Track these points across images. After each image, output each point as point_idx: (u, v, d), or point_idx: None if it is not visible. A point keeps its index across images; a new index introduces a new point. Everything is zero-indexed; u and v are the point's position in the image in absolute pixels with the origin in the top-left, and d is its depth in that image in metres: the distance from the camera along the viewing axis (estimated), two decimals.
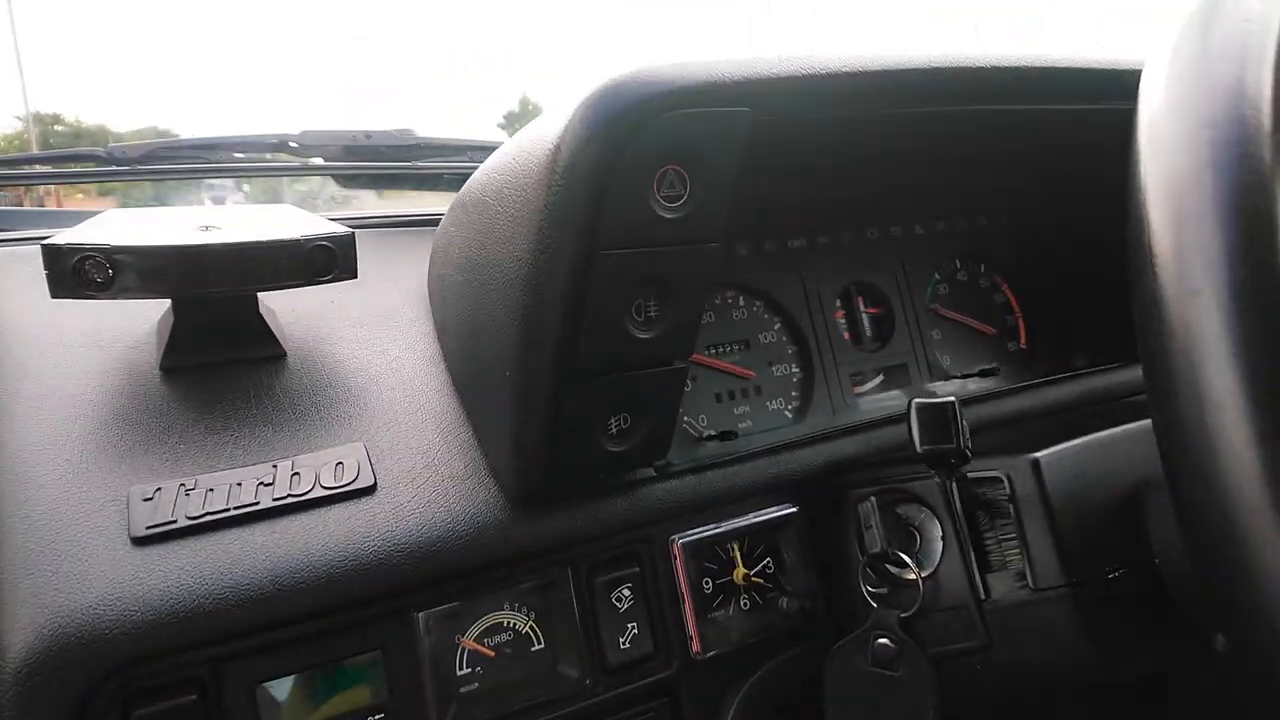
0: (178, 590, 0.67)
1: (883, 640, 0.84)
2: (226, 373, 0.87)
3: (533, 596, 0.81)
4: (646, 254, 0.69)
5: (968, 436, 0.73)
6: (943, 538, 0.86)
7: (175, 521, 0.71)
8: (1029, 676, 0.81)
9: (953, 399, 0.73)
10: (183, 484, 0.74)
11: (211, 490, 0.74)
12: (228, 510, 0.73)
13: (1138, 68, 0.55)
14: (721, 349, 1.15)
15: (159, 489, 0.73)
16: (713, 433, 1.06)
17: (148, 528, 0.70)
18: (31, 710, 0.61)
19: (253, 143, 1.24)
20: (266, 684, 0.70)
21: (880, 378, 1.25)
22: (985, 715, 0.85)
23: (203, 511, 0.72)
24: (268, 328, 0.91)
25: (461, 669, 0.78)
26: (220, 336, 0.89)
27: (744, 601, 0.89)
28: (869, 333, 1.27)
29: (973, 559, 0.82)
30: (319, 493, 0.76)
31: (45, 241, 0.77)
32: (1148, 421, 0.89)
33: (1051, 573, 0.78)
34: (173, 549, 0.70)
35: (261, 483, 0.76)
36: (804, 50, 0.69)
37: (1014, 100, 0.79)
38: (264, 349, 0.90)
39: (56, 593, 0.65)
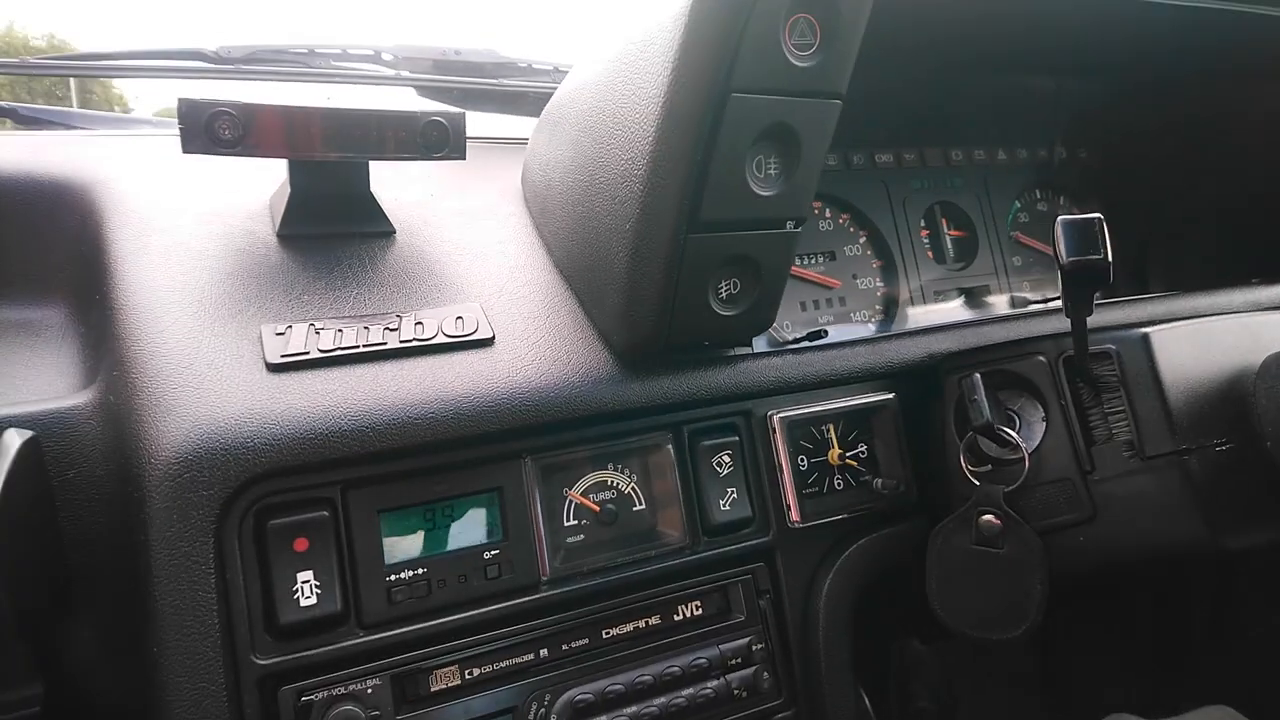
0: (312, 413, 0.69)
1: (987, 517, 0.84)
2: (340, 244, 0.89)
3: (635, 459, 0.83)
4: (775, 101, 0.70)
5: (1110, 256, 0.73)
6: (1044, 418, 0.86)
7: (308, 353, 0.74)
8: (1134, 547, 0.81)
9: (1099, 215, 0.73)
10: (313, 324, 0.76)
11: (340, 331, 0.76)
12: (357, 347, 0.75)
13: None
14: (807, 259, 1.16)
15: (290, 326, 0.75)
16: (800, 335, 1.07)
17: (283, 356, 0.73)
18: (180, 510, 0.64)
19: (350, 53, 1.27)
20: (390, 511, 0.72)
21: (962, 298, 1.25)
22: (1088, 591, 0.85)
23: (334, 347, 0.75)
24: (378, 205, 0.94)
25: (569, 520, 0.80)
26: (333, 210, 0.92)
27: (838, 481, 0.90)
28: (952, 253, 1.27)
29: (1079, 432, 0.82)
30: (442, 339, 0.79)
31: (182, 95, 0.80)
32: (1254, 314, 0.89)
33: (1160, 441, 0.78)
34: (306, 377, 0.72)
35: (387, 327, 0.78)
36: None
37: None
38: (376, 225, 0.93)
39: (200, 407, 0.68)
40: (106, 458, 0.72)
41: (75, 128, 1.19)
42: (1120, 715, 0.62)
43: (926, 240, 1.25)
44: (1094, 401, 0.84)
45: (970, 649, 1.48)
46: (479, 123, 1.44)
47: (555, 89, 0.98)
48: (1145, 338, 0.81)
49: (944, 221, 1.27)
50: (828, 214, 1.18)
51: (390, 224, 0.93)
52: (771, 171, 0.75)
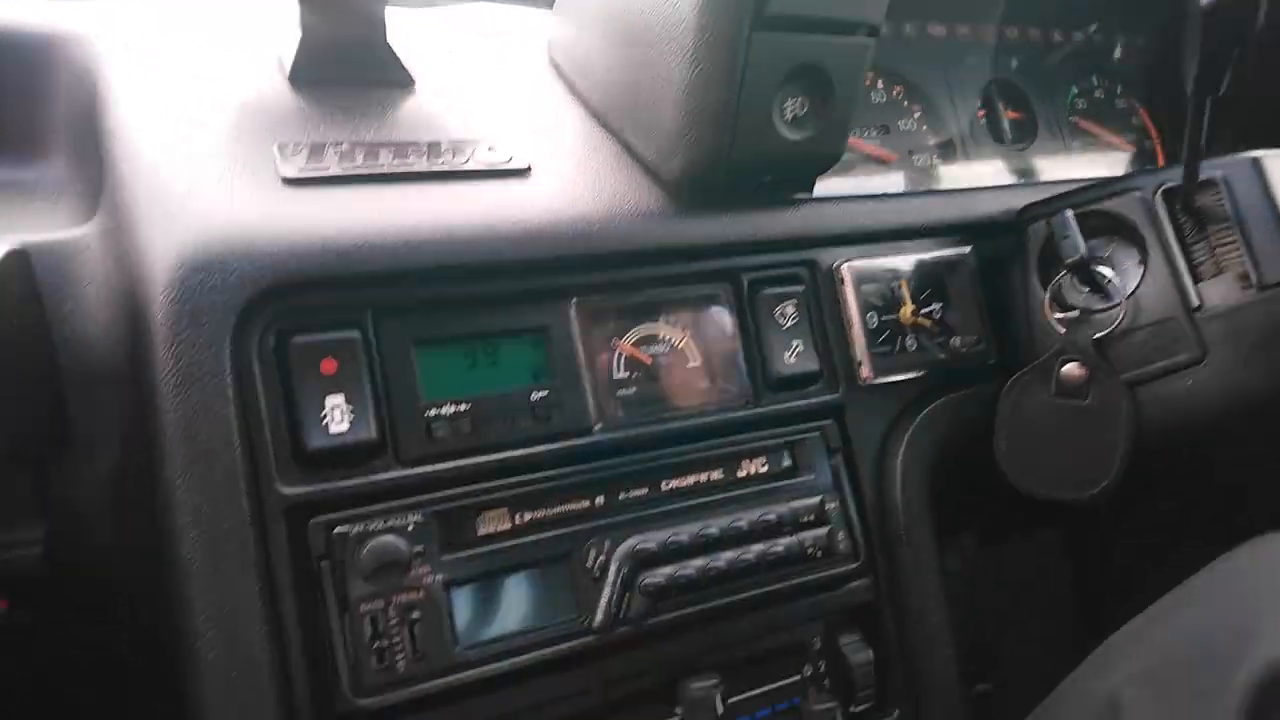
0: (336, 224, 0.62)
1: (1071, 364, 0.77)
2: (356, 91, 0.82)
3: (689, 311, 0.76)
4: None
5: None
6: (1141, 261, 0.78)
7: (328, 168, 0.67)
8: (1246, 389, 0.73)
9: None
10: (335, 143, 0.69)
11: (364, 152, 0.69)
12: (382, 167, 0.68)
13: None
14: (861, 131, 1.08)
15: (309, 146, 0.68)
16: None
17: (300, 170, 0.66)
18: (191, 315, 0.57)
19: None
20: (427, 344, 0.65)
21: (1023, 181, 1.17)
22: (1187, 446, 0.77)
23: (357, 165, 0.68)
24: (396, 55, 0.86)
25: (619, 372, 0.72)
26: (347, 57, 0.84)
27: (910, 342, 0.83)
28: (1010, 135, 1.19)
29: (1183, 266, 0.75)
30: (475, 166, 0.72)
31: None
32: None
33: (1279, 267, 0.70)
34: (327, 193, 0.65)
35: (414, 152, 0.71)
36: None
37: None
38: (393, 74, 0.85)
39: (212, 215, 0.61)
40: (107, 287, 0.65)
41: None
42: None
43: (984, 120, 1.17)
44: (1198, 236, 0.76)
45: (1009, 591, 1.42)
46: None
47: None
48: (1256, 161, 0.73)
49: (1001, 102, 1.19)
50: (880, 85, 1.10)
51: (408, 74, 0.86)
52: None
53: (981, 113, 1.18)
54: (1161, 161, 1.30)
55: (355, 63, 0.83)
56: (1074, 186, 0.90)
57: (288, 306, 0.60)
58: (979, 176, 1.13)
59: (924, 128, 1.13)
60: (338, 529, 0.58)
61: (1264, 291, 0.71)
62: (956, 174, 1.12)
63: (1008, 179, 1.15)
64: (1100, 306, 0.78)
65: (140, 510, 0.63)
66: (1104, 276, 0.77)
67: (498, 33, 1.02)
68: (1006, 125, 1.19)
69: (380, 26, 0.85)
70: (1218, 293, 0.73)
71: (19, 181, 0.81)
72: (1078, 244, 0.75)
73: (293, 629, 0.57)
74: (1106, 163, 1.25)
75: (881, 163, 1.09)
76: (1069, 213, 0.76)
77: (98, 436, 0.63)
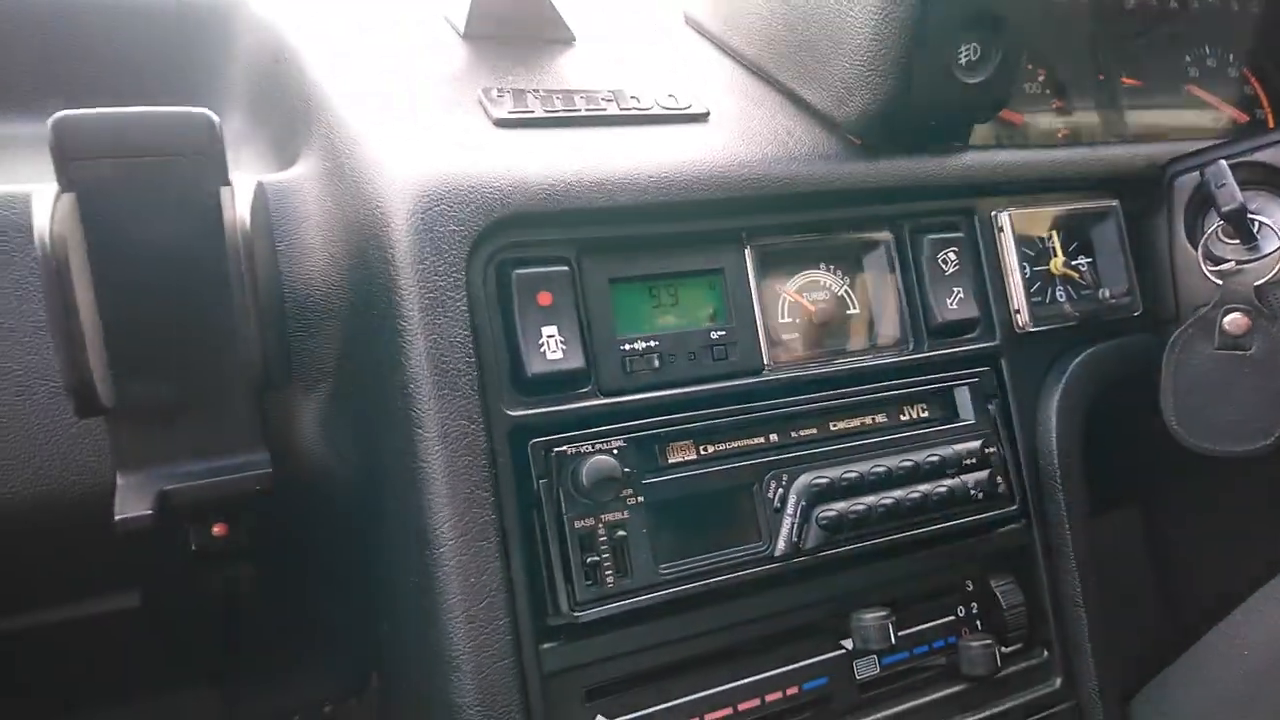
0: (546, 164, 0.65)
1: (1234, 315, 0.78)
2: (525, 45, 0.85)
3: (850, 258, 0.78)
4: None
5: None
6: None
7: (532, 112, 0.70)
8: None
9: None
10: (532, 90, 0.72)
11: (559, 97, 0.72)
12: (579, 111, 0.71)
13: None
14: None
15: (510, 91, 0.71)
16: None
17: (510, 112, 0.69)
18: (433, 244, 0.60)
19: None
20: (621, 281, 0.68)
21: None
22: None
23: (557, 109, 0.71)
24: (558, 13, 0.89)
25: (784, 316, 0.75)
26: (515, 14, 0.88)
27: (1060, 293, 0.84)
28: (1124, 100, 1.19)
29: None
30: (658, 110, 0.74)
31: None
32: None
33: None
34: (533, 134, 0.68)
35: (603, 98, 0.74)
36: None
37: None
38: (557, 31, 0.89)
39: (436, 153, 0.64)
40: (323, 226, 0.69)
41: None
42: None
43: (1102, 85, 1.18)
44: None
45: None
46: None
47: None
48: None
49: (1117, 68, 1.20)
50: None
51: (570, 31, 0.88)
52: None
53: (1100, 76, 1.18)
54: (1271, 119, 1.30)
55: (522, 20, 0.86)
56: (1214, 142, 0.90)
57: (509, 240, 0.63)
58: (1099, 138, 1.14)
59: (1047, 91, 1.13)
60: (555, 450, 0.62)
61: None
62: (1079, 136, 1.13)
63: (1130, 141, 1.16)
64: (1254, 257, 0.79)
65: (349, 436, 0.67)
66: (1257, 225, 0.78)
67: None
68: (1121, 91, 1.19)
69: None
70: None
71: None
72: (1234, 192, 0.76)
73: (515, 544, 0.60)
74: (1219, 130, 1.25)
75: (1010, 124, 1.10)
76: (1223, 162, 0.77)
77: (313, 367, 0.67)
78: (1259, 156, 0.80)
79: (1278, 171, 0.80)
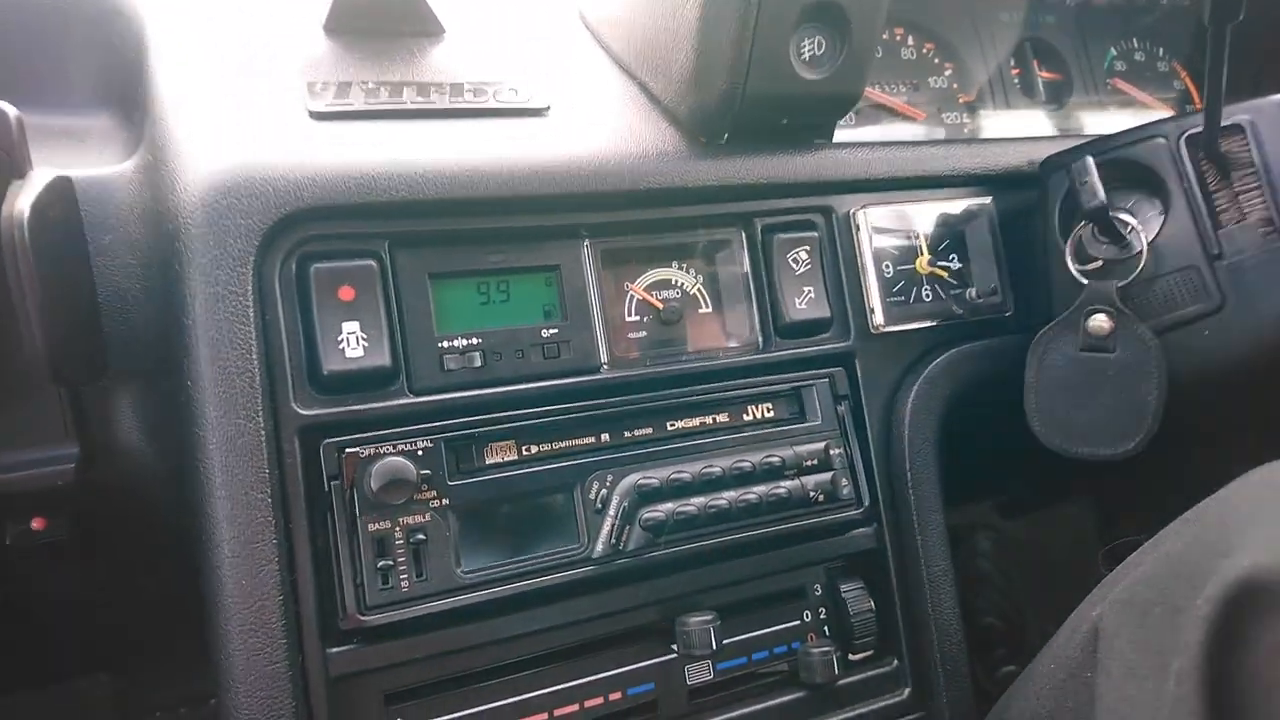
0: (356, 156, 0.64)
1: (1098, 316, 0.76)
2: (389, 40, 0.84)
3: (701, 256, 0.76)
4: None
5: None
6: (1162, 211, 0.77)
7: (352, 104, 0.68)
8: (1264, 337, 0.71)
9: None
10: (361, 82, 0.71)
11: (388, 90, 0.71)
12: (404, 104, 0.70)
13: None
14: (888, 86, 1.06)
15: (336, 85, 0.70)
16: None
17: (327, 105, 0.68)
18: (217, 236, 0.59)
19: None
20: (442, 277, 0.67)
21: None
22: (1213, 394, 0.76)
23: (381, 101, 0.69)
24: (428, 4, 0.88)
25: (630, 315, 0.73)
26: (381, 6, 0.86)
27: (926, 293, 0.82)
28: (1044, 95, 1.16)
29: (1205, 212, 0.73)
30: (493, 105, 0.73)
31: None
32: None
33: None
34: (351, 126, 0.67)
35: (436, 91, 0.72)
36: None
37: None
38: (425, 24, 0.87)
39: (239, 145, 0.63)
40: (143, 219, 0.68)
41: None
42: None
43: (1017, 80, 1.15)
44: (1220, 184, 0.74)
45: (1036, 564, 1.40)
46: None
47: None
48: None
49: (1035, 61, 1.17)
50: (910, 41, 1.09)
51: (439, 23, 0.87)
52: None
53: (1016, 71, 1.15)
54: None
55: (388, 12, 0.85)
56: (1092, 138, 0.88)
57: (309, 234, 0.62)
58: (1010, 135, 1.11)
59: (954, 85, 1.11)
60: (349, 450, 0.60)
61: None
62: (986, 132, 1.10)
63: (1031, 135, 1.13)
64: (1121, 256, 0.77)
65: (167, 431, 0.66)
66: (1124, 224, 0.76)
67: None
68: (1041, 85, 1.16)
69: None
70: (1239, 240, 0.72)
71: (75, 129, 0.85)
72: (1097, 190, 0.74)
73: (303, 545, 0.59)
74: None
75: (910, 119, 1.07)
76: (1089, 159, 0.75)
77: (130, 361, 0.66)
78: (1128, 154, 0.78)
79: (1147, 168, 0.77)
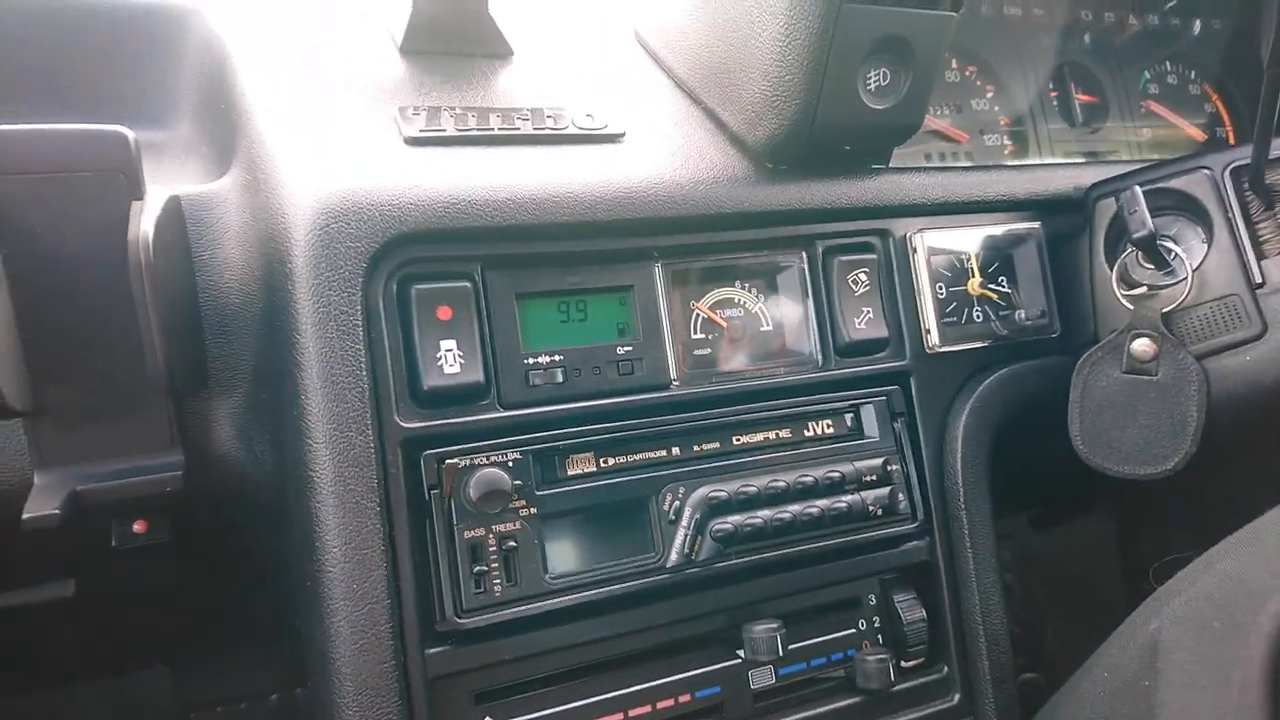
0: (452, 182, 0.67)
1: (1141, 340, 0.79)
2: (462, 61, 0.87)
3: (763, 277, 0.80)
4: None
5: None
6: (1205, 239, 0.80)
7: (444, 130, 0.72)
8: None
9: None
10: (449, 108, 0.74)
11: (475, 115, 0.74)
12: (492, 130, 0.73)
13: None
14: (934, 108, 1.10)
15: (427, 110, 0.74)
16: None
17: (420, 131, 0.71)
18: (329, 260, 0.62)
19: None
20: (528, 297, 0.70)
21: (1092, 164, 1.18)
22: (1251, 419, 0.79)
23: (470, 127, 0.73)
24: (497, 27, 0.91)
25: (696, 332, 0.77)
26: (453, 30, 0.89)
27: (977, 314, 0.86)
28: (1080, 117, 1.20)
29: (1248, 243, 0.76)
30: (573, 131, 0.76)
31: None
32: None
33: None
34: (444, 152, 0.71)
35: (520, 117, 0.76)
36: None
37: None
38: (495, 46, 0.90)
39: (343, 171, 0.66)
40: (242, 237, 0.71)
41: None
42: None
43: (1055, 101, 1.18)
44: (1264, 215, 0.78)
45: (1059, 578, 1.44)
46: None
47: None
48: None
49: (1073, 84, 1.20)
50: (954, 64, 1.12)
51: (508, 45, 0.90)
52: None
53: (1054, 93, 1.19)
54: (1231, 136, 1.30)
55: (460, 35, 0.88)
56: (1139, 166, 0.91)
57: (410, 256, 0.65)
58: (1048, 156, 1.14)
59: (996, 107, 1.14)
60: (447, 461, 0.64)
61: None
62: (1026, 153, 1.13)
63: (1077, 159, 1.17)
64: (1166, 282, 0.80)
65: (267, 440, 0.70)
66: (1170, 251, 0.79)
67: (586, 8, 1.06)
68: (1078, 107, 1.20)
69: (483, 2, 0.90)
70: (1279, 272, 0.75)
71: (151, 143, 0.88)
72: (1145, 219, 0.77)
73: (405, 552, 0.62)
74: (1177, 147, 1.25)
75: (953, 141, 1.11)
76: (1137, 189, 0.79)
77: (227, 373, 0.70)
78: (1174, 184, 0.81)
79: (1192, 198, 0.81)
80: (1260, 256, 0.77)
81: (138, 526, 0.71)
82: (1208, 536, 0.64)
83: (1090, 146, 1.19)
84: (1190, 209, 0.81)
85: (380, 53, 0.86)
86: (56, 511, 0.60)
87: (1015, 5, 1.17)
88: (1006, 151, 1.14)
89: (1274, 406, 0.77)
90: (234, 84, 0.79)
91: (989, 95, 1.14)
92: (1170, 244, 0.80)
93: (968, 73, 1.13)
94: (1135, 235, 0.78)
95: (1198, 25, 1.32)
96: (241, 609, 0.93)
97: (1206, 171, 0.80)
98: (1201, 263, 0.79)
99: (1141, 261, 0.82)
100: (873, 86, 0.75)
